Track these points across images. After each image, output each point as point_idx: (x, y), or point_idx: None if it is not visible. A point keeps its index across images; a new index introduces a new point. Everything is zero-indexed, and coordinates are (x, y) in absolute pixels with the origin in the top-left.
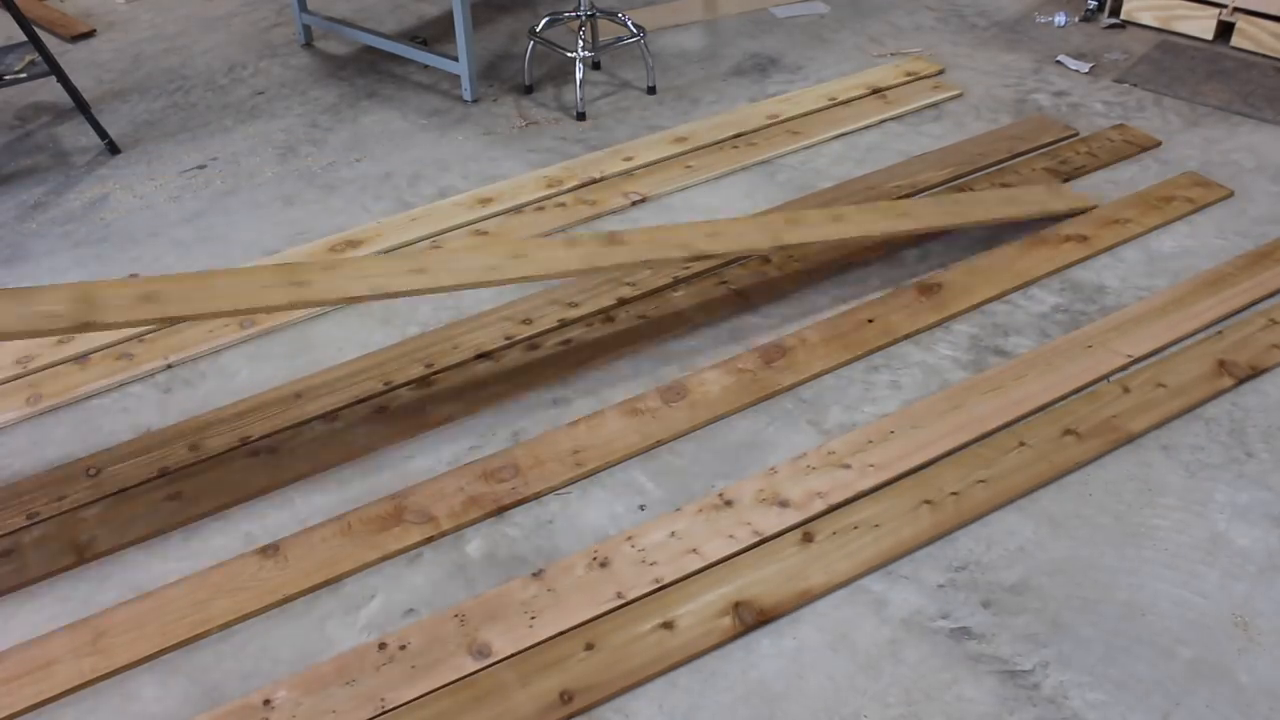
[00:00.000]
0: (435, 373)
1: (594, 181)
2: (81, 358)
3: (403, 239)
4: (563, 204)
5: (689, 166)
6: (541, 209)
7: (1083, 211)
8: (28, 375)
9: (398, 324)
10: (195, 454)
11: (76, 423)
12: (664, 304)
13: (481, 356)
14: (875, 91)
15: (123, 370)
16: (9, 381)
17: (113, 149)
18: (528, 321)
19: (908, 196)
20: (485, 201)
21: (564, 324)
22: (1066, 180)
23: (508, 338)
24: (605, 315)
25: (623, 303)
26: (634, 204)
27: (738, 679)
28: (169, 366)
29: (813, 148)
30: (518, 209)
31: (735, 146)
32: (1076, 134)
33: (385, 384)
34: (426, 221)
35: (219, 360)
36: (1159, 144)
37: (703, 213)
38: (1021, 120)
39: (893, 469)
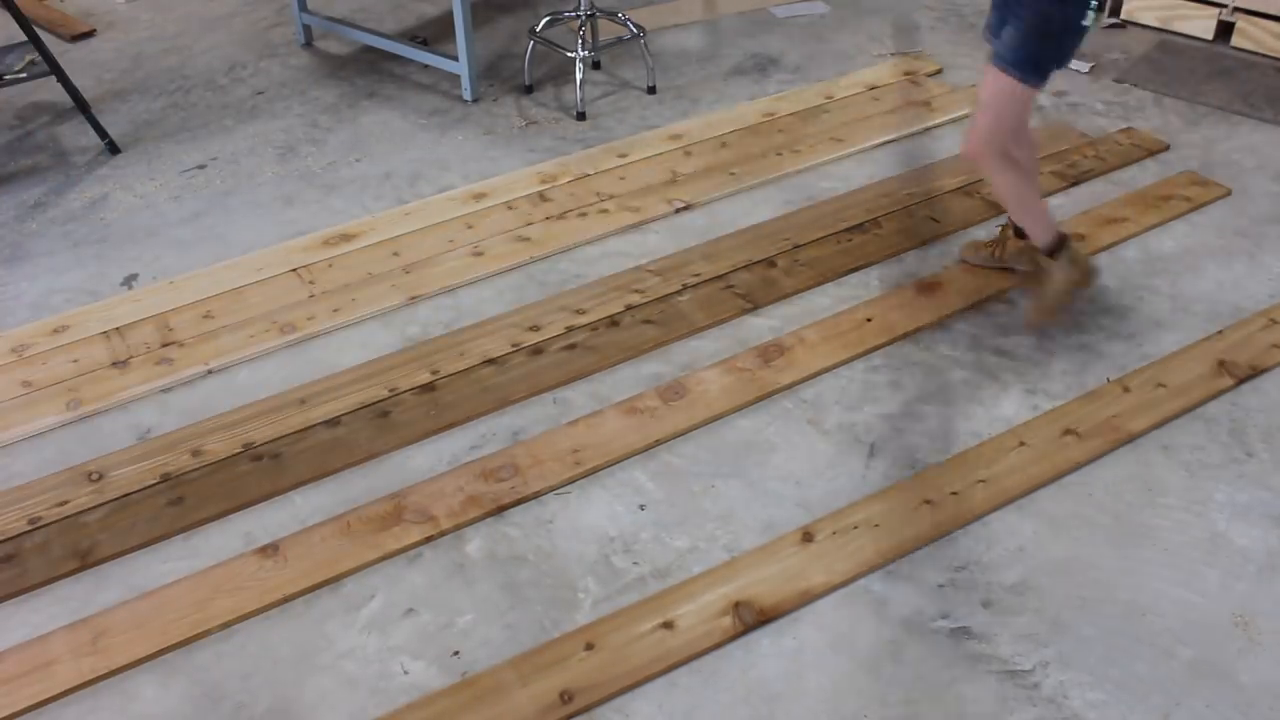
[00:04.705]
0: (440, 378)
1: (586, 176)
2: (121, 363)
3: (396, 232)
4: (606, 210)
5: (732, 174)
6: (584, 215)
7: None
8: (21, 363)
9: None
10: (198, 460)
11: (84, 427)
12: (669, 309)
13: (488, 362)
14: (871, 88)
15: (162, 375)
16: (3, 367)
17: (113, 149)
18: (535, 328)
19: (921, 203)
20: (479, 197)
21: (571, 330)
22: (1073, 184)
23: (514, 344)
24: (611, 320)
25: (630, 309)
26: (678, 210)
27: (738, 679)
28: (209, 372)
29: (858, 155)
30: (510, 203)
31: (779, 154)
32: (1089, 139)
33: (390, 390)
34: (420, 216)
35: (258, 366)
36: (1167, 148)
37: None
38: (1036, 128)
39: None
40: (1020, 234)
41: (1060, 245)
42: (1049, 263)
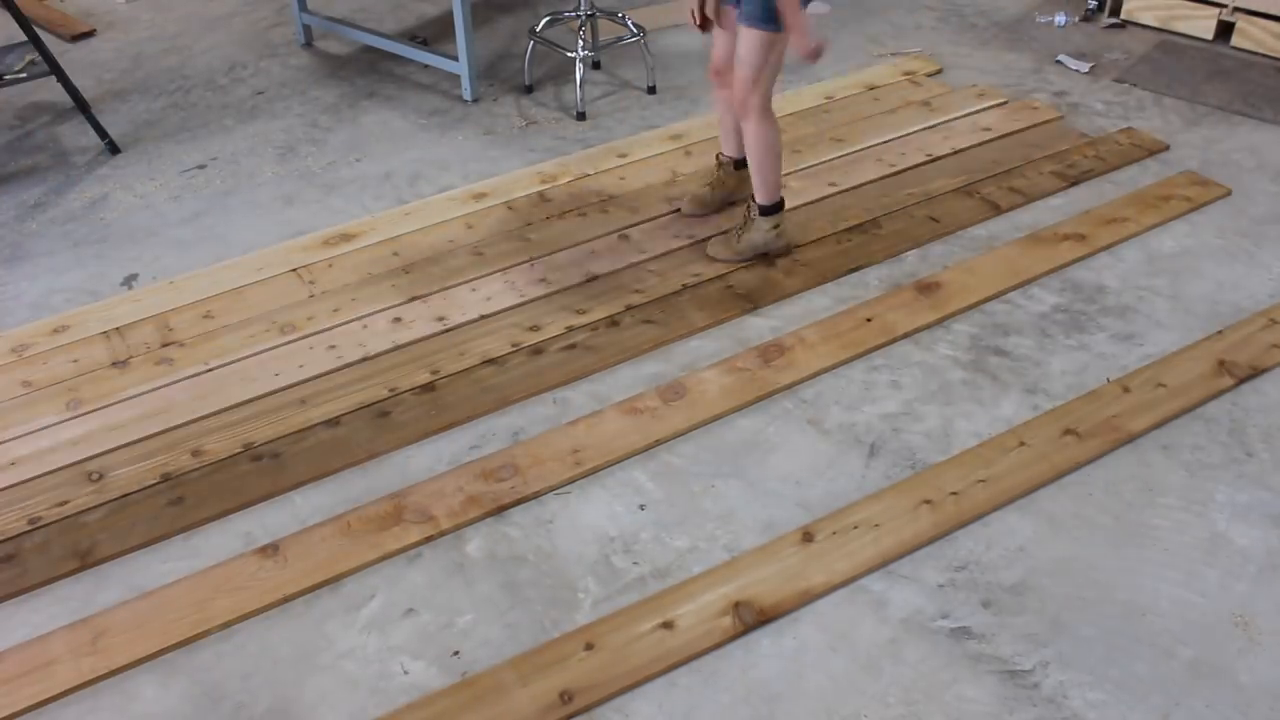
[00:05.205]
0: (440, 378)
1: (586, 176)
2: (121, 363)
3: (396, 232)
4: (605, 210)
5: None
6: (584, 215)
7: None
8: (21, 363)
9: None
10: (198, 460)
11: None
12: (669, 309)
13: (488, 362)
14: (871, 88)
15: (163, 375)
16: (3, 367)
17: (113, 149)
18: (535, 328)
19: (921, 204)
20: (479, 197)
21: (571, 330)
22: (1073, 184)
23: (514, 344)
24: (611, 320)
25: (630, 309)
26: (678, 211)
27: (738, 679)
28: (210, 372)
29: (858, 155)
30: (510, 203)
31: (797, 150)
32: (1089, 139)
33: (390, 390)
34: (420, 216)
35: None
36: (1166, 148)
37: None
38: (1037, 127)
39: None
40: (739, 165)
41: (775, 209)
42: (759, 218)
